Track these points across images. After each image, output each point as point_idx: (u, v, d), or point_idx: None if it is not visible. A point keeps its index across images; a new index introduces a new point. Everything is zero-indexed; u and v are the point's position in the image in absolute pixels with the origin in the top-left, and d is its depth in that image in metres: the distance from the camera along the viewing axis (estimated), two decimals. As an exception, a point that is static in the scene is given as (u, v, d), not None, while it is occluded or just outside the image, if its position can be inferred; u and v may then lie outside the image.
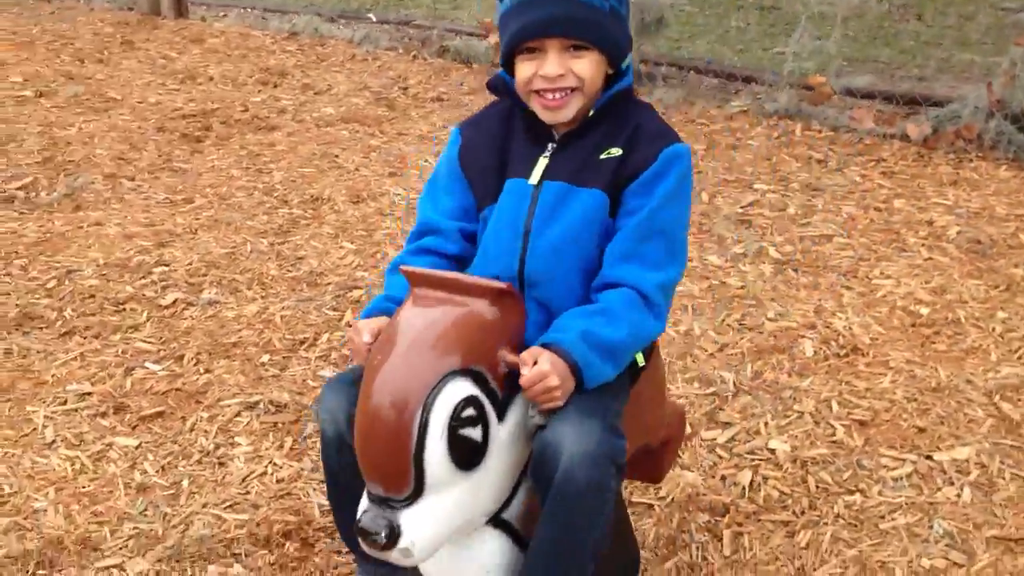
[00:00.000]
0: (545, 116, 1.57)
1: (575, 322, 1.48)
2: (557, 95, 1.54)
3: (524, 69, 1.54)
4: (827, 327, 2.84)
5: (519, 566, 1.52)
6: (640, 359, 1.66)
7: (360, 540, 1.36)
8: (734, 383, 2.60)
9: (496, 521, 1.50)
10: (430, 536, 1.36)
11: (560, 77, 1.52)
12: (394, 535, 1.33)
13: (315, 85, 5.43)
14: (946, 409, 2.46)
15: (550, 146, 1.60)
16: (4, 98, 5.12)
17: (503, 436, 1.43)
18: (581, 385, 1.45)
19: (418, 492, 1.33)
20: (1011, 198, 3.80)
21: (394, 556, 1.35)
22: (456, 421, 1.34)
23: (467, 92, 5.31)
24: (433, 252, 1.64)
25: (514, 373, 1.43)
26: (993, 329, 2.82)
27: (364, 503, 1.38)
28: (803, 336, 2.80)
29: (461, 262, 1.65)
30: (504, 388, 1.42)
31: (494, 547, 1.51)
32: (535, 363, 1.40)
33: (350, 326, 2.90)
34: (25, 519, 2.15)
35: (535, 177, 1.58)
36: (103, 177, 4.06)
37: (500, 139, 1.63)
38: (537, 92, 1.55)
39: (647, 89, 5.21)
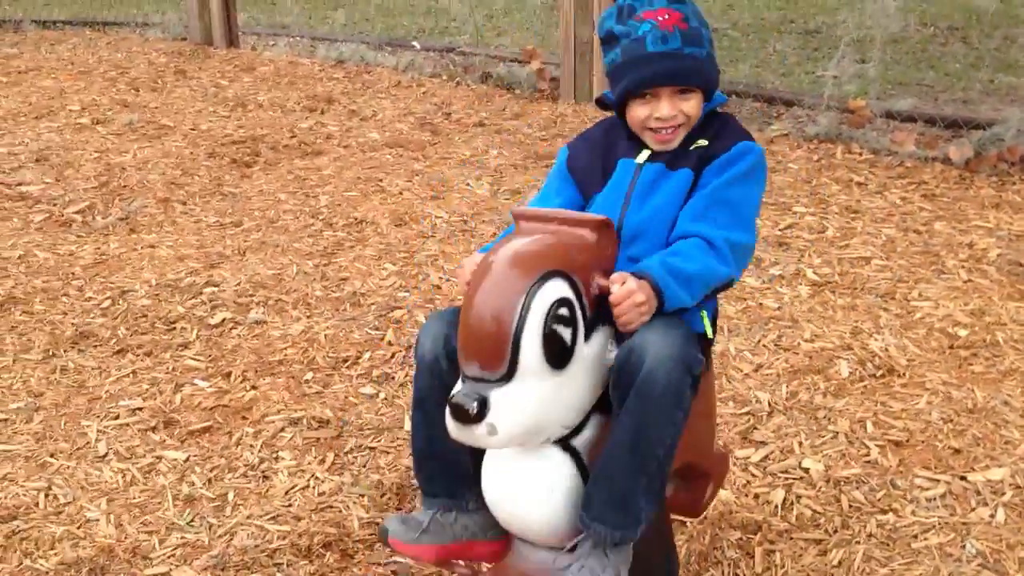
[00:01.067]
0: (657, 147, 1.82)
1: (654, 258, 1.67)
2: (669, 130, 1.79)
3: (639, 111, 1.79)
4: (863, 348, 2.85)
5: (579, 493, 1.61)
6: (708, 330, 1.80)
7: (449, 418, 1.49)
8: (769, 403, 2.63)
9: (565, 445, 1.60)
10: (514, 418, 1.47)
11: (672, 118, 1.78)
12: (484, 408, 1.45)
13: (361, 111, 5.56)
14: (982, 430, 2.46)
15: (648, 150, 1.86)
16: (63, 126, 5.31)
17: (587, 353, 1.56)
18: (662, 307, 1.61)
19: (510, 374, 1.47)
20: (1054, 220, 3.78)
21: (479, 432, 1.47)
22: (552, 316, 1.48)
23: (509, 117, 5.40)
24: None
25: (603, 298, 1.58)
26: (1032, 351, 2.81)
27: (458, 385, 1.52)
28: (839, 357, 2.81)
29: None
30: (594, 309, 1.57)
31: (560, 468, 1.60)
32: (623, 283, 1.58)
33: (391, 344, 2.98)
34: (79, 528, 2.24)
35: (641, 158, 1.83)
36: (156, 201, 4.20)
37: (604, 146, 1.89)
38: (650, 129, 1.80)
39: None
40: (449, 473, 1.76)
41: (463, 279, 1.69)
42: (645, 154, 1.83)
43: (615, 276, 1.59)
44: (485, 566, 1.80)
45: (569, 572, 1.57)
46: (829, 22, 7.82)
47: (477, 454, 1.69)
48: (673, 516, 2.17)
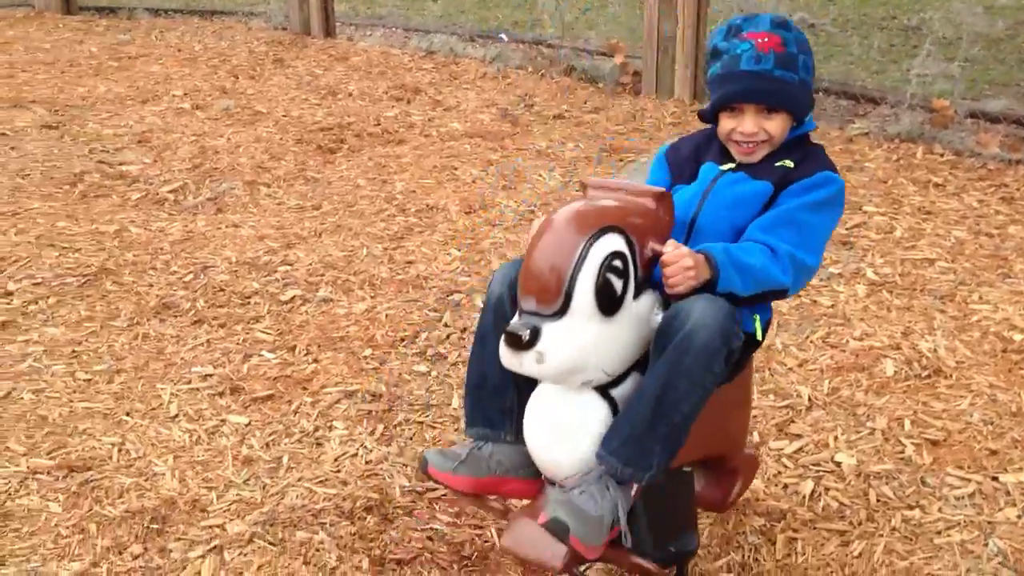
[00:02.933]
0: (739, 158, 1.95)
1: (716, 244, 1.79)
2: (750, 145, 1.91)
3: (726, 123, 1.92)
4: (912, 348, 2.85)
5: None
6: (759, 332, 1.89)
7: (503, 345, 1.66)
8: (809, 397, 2.66)
9: (604, 393, 1.74)
10: (563, 349, 1.62)
11: (754, 134, 1.90)
12: (535, 337, 1.61)
13: (445, 101, 5.71)
14: (1022, 433, 2.45)
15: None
16: (165, 110, 5.61)
17: (634, 310, 1.71)
18: (714, 285, 1.71)
19: (563, 310, 1.62)
20: None
21: (528, 358, 1.62)
22: (606, 265, 1.64)
23: (590, 110, 5.47)
24: None
25: (655, 263, 1.72)
26: (1088, 358, 2.77)
27: (515, 318, 1.69)
28: (886, 356, 2.82)
29: None
30: (646, 272, 1.72)
31: (597, 412, 1.73)
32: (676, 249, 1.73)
33: (447, 326, 3.11)
34: (145, 480, 2.44)
35: (726, 166, 1.96)
36: (243, 184, 4.42)
37: (700, 146, 2.03)
38: (735, 141, 1.92)
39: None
40: (495, 404, 1.90)
41: (530, 235, 1.82)
42: (731, 165, 1.95)
43: (670, 241, 1.73)
44: (513, 504, 1.92)
45: (572, 492, 1.69)
46: (932, 18, 7.64)
47: (522, 392, 1.83)
48: (700, 509, 2.25)
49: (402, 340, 3.03)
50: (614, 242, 1.66)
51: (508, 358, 1.66)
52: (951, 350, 2.84)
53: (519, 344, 1.62)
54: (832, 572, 2.08)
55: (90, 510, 2.33)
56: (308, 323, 3.16)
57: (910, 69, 5.63)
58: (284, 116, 5.47)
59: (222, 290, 3.40)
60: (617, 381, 1.75)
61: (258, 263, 3.59)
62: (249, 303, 3.32)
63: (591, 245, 1.63)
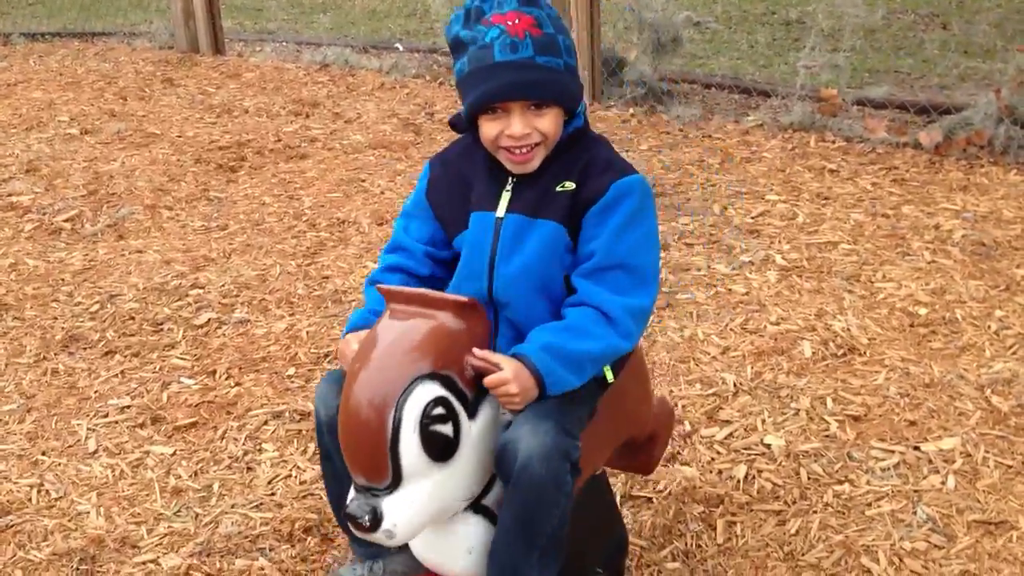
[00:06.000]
0: (514, 168, 1.70)
1: (541, 336, 1.62)
2: (524, 150, 1.66)
3: (489, 128, 1.65)
4: (827, 329, 2.95)
5: None
6: (609, 375, 1.76)
7: (349, 525, 1.53)
8: (734, 384, 2.72)
9: (476, 507, 1.66)
10: (410, 519, 1.52)
11: (526, 135, 1.64)
12: (377, 519, 1.49)
13: (345, 114, 5.65)
14: (937, 403, 2.56)
15: (511, 180, 1.72)
16: (52, 137, 5.41)
17: (475, 431, 1.59)
18: (544, 392, 1.59)
19: (396, 481, 1.50)
20: (1019, 201, 3.87)
21: (379, 537, 1.51)
22: (427, 419, 1.50)
23: (491, 116, 5.48)
24: (403, 271, 1.80)
25: (482, 376, 1.58)
26: (989, 327, 2.91)
27: (352, 492, 1.54)
28: (803, 338, 2.91)
29: (431, 282, 1.79)
30: (474, 389, 1.58)
31: (475, 529, 1.67)
32: (500, 367, 1.56)
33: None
34: (70, 521, 2.34)
35: (500, 210, 1.71)
36: (144, 208, 4.29)
37: (464, 176, 1.76)
38: (504, 148, 1.67)
39: (664, 107, 5.35)
40: None
41: (344, 359, 1.68)
42: (504, 201, 1.71)
43: (494, 360, 1.57)
44: None
45: None
46: (810, 12, 7.91)
47: None
48: (638, 478, 2.27)
49: (326, 356, 2.98)
50: (427, 391, 1.50)
51: (359, 534, 1.54)
52: (862, 328, 2.94)
53: (364, 528, 1.50)
54: (772, 551, 2.13)
55: (14, 555, 2.22)
56: (226, 346, 3.09)
57: (797, 61, 5.82)
58: (179, 136, 5.33)
59: (132, 318, 3.29)
60: (487, 489, 1.66)
61: (167, 288, 3.49)
62: (162, 329, 3.22)
63: (403, 407, 1.47)
